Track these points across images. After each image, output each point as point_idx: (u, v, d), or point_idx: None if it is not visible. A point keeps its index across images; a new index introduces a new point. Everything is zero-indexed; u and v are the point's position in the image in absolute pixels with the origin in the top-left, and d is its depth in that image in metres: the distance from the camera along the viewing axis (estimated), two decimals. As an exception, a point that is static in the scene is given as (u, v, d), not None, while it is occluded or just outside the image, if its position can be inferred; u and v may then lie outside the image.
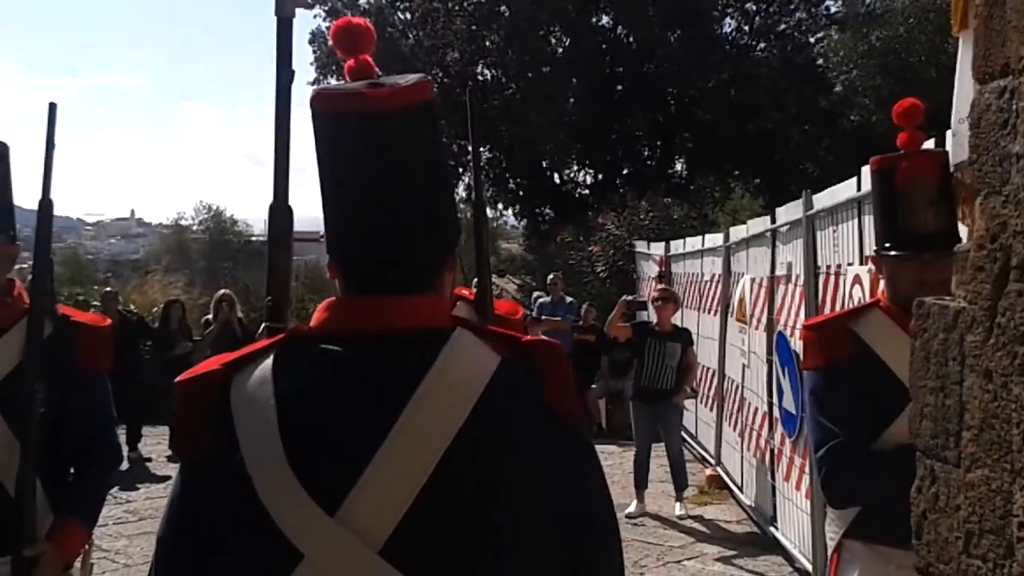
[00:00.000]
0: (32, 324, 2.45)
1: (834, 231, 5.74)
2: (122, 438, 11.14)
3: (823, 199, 5.99)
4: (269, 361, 1.39)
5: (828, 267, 5.84)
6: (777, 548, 6.87)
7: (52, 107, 2.46)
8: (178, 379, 1.42)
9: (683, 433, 8.90)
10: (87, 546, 2.69)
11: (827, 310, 5.53)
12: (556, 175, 27.07)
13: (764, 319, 7.29)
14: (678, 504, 8.07)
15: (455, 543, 1.33)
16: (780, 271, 6.98)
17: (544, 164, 26.44)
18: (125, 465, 10.17)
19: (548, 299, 12.78)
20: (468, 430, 1.34)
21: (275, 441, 1.32)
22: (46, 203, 2.48)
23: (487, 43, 25.39)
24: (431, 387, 1.35)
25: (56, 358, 2.49)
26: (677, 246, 11.86)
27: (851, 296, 5.13)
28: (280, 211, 1.53)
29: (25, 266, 3.61)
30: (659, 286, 9.86)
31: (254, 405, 1.35)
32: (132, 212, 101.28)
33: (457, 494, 1.33)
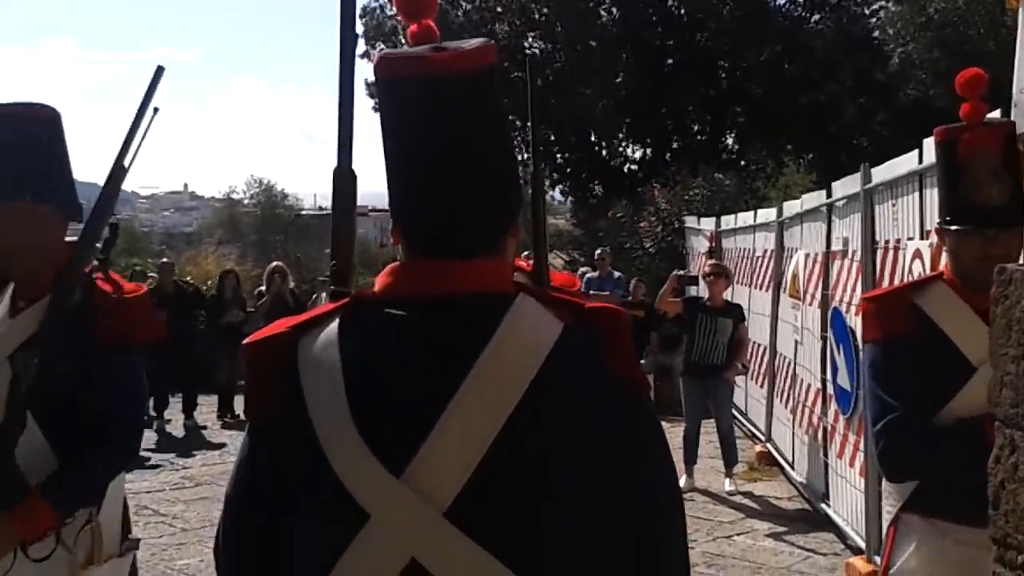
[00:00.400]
0: (56, 293, 2.36)
1: (893, 205, 5.64)
2: (178, 407, 11.22)
3: (882, 172, 5.88)
4: (335, 325, 1.39)
5: (887, 242, 5.73)
6: (829, 525, 6.83)
7: (159, 70, 2.45)
8: (245, 341, 1.43)
9: (733, 409, 8.85)
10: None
11: (885, 285, 5.44)
12: (605, 150, 26.89)
13: (818, 295, 7.21)
14: (728, 480, 8.04)
15: (518, 509, 1.33)
16: (836, 246, 6.88)
17: (593, 138, 26.29)
18: (181, 433, 10.41)
19: (596, 274, 12.77)
20: (531, 397, 1.33)
21: (342, 404, 1.33)
22: (118, 168, 2.44)
23: (536, 15, 25.25)
24: (494, 353, 1.34)
25: (78, 331, 2.38)
26: (728, 221, 11.74)
27: (911, 271, 5.04)
28: (345, 175, 1.54)
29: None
30: (710, 261, 9.78)
31: (321, 368, 1.36)
32: (185, 186, 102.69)
33: (520, 460, 1.33)
